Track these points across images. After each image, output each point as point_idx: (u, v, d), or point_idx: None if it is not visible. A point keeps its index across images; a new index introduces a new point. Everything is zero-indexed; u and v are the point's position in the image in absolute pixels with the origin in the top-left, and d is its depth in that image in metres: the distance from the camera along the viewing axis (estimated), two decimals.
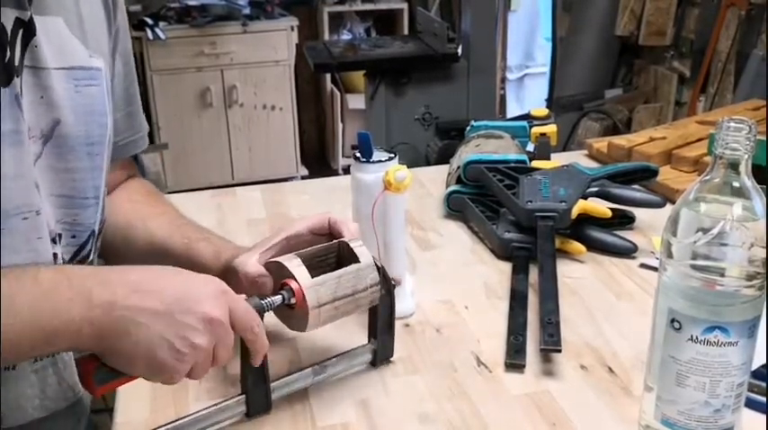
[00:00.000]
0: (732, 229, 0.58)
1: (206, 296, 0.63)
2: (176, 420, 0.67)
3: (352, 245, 0.75)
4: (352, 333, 0.82)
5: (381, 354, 0.80)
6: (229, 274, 0.78)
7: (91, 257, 0.80)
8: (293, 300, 0.70)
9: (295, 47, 3.73)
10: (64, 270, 0.63)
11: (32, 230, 0.69)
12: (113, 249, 0.88)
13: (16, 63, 0.67)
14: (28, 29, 0.68)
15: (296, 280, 0.70)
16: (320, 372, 0.76)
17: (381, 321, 0.78)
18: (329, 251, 0.76)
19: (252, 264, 0.75)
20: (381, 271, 0.75)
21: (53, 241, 0.72)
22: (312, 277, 0.71)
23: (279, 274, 0.73)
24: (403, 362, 0.81)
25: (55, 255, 0.73)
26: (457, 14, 3.63)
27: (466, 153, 1.18)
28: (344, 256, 0.75)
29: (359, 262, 0.74)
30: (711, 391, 0.62)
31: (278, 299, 0.70)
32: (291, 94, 3.81)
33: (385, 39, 3.25)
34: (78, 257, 0.77)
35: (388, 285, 0.76)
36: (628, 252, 1.03)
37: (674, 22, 2.79)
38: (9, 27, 0.66)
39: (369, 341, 0.80)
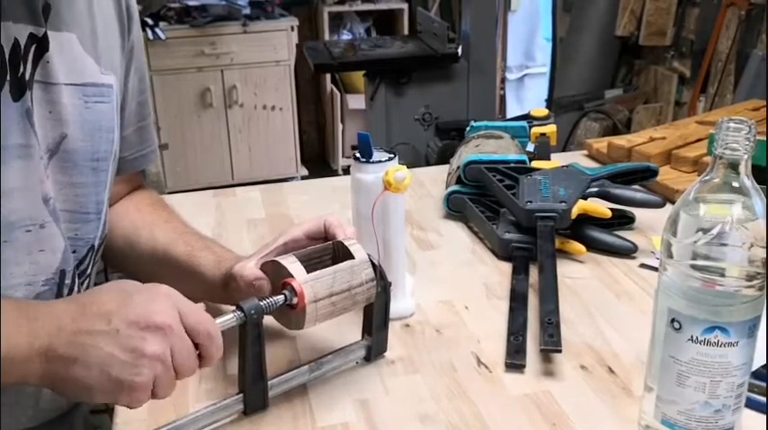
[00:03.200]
0: (732, 229, 0.58)
1: (150, 304, 0.61)
2: (175, 420, 0.67)
3: (346, 244, 0.75)
4: (350, 332, 0.82)
5: (376, 350, 0.80)
6: (230, 282, 0.78)
7: (89, 271, 0.80)
8: (295, 300, 0.70)
9: (295, 47, 3.73)
10: (12, 300, 0.61)
11: (35, 243, 0.70)
12: (120, 255, 0.89)
13: (27, 78, 0.67)
14: (41, 44, 0.68)
15: (292, 276, 0.70)
16: (316, 369, 0.76)
17: (377, 318, 0.78)
18: (325, 251, 0.76)
19: (249, 268, 0.75)
20: (378, 268, 0.75)
21: None
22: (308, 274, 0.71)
23: (276, 275, 0.73)
24: (403, 362, 0.81)
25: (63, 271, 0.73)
26: (457, 15, 3.63)
27: (466, 153, 1.18)
28: (340, 256, 0.76)
29: (354, 259, 0.74)
30: (711, 392, 0.62)
31: (280, 299, 0.70)
32: (291, 94, 3.81)
33: (385, 39, 3.25)
34: (77, 271, 0.77)
35: (384, 282, 0.76)
36: (628, 252, 1.03)
37: (675, 22, 2.79)
38: (23, 42, 0.66)
39: (363, 337, 0.80)
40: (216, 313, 0.67)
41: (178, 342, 0.61)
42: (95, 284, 0.86)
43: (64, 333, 0.59)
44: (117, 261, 0.90)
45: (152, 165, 2.80)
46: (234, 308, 0.67)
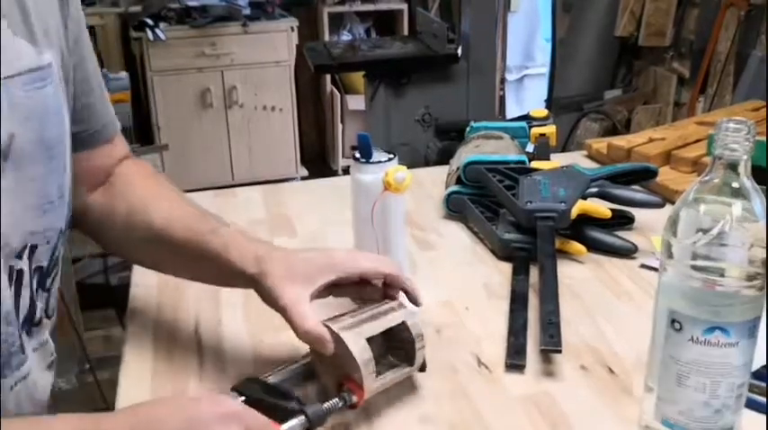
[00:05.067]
0: (732, 230, 0.58)
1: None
2: None
3: (417, 346, 0.73)
4: None
5: None
6: (267, 295, 0.74)
7: (57, 254, 0.76)
8: (354, 399, 0.68)
9: (295, 47, 3.73)
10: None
11: None
12: (116, 239, 0.86)
13: None
14: None
15: (361, 385, 0.68)
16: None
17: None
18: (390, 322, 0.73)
19: (311, 322, 0.70)
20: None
21: (18, 256, 0.69)
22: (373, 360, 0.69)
23: (336, 344, 0.70)
24: None
25: (20, 271, 0.70)
26: (457, 15, 3.63)
27: (465, 154, 1.18)
28: (403, 336, 0.73)
29: (414, 347, 0.72)
30: (712, 392, 0.62)
31: (339, 403, 0.68)
32: (291, 94, 3.81)
33: (385, 39, 3.25)
34: (53, 259, 0.75)
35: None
36: (628, 252, 1.03)
37: (674, 22, 2.79)
38: None
39: None
40: None
41: None
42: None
43: None
44: (114, 245, 0.88)
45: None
46: (298, 410, 0.65)
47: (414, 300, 0.78)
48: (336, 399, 0.68)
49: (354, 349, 0.68)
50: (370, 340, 0.69)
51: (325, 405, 0.67)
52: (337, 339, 0.68)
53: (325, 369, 0.73)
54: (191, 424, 0.58)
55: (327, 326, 0.69)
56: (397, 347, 0.74)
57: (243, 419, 0.60)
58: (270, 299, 0.73)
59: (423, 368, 0.75)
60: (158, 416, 0.59)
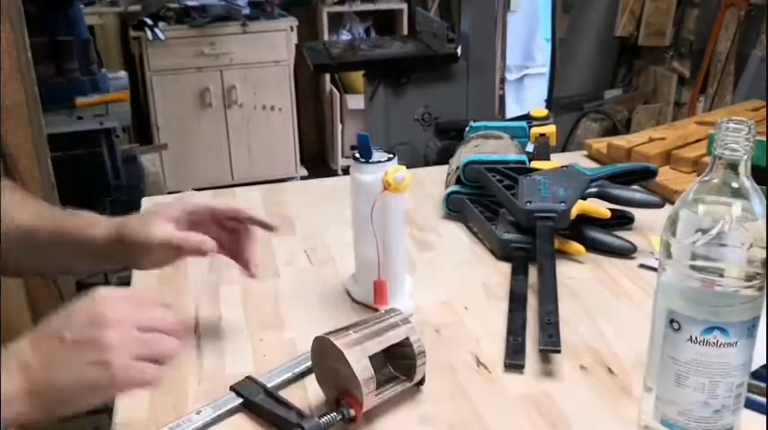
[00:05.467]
0: (731, 230, 0.58)
1: (90, 302, 0.63)
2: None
3: (414, 347, 0.73)
4: None
5: None
6: (123, 246, 0.78)
7: None
8: (352, 413, 0.69)
9: (294, 47, 3.73)
10: None
11: None
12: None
13: None
14: None
15: (360, 402, 0.68)
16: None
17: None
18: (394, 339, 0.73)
19: (169, 231, 0.77)
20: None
21: None
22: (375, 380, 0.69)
23: (333, 358, 0.69)
24: None
25: None
26: (456, 15, 3.62)
27: (465, 153, 1.18)
28: (404, 351, 0.73)
29: (415, 364, 0.72)
30: (711, 392, 0.62)
31: (338, 417, 0.68)
32: (291, 94, 3.81)
33: (384, 39, 3.25)
34: None
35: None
36: (627, 252, 1.03)
37: (674, 22, 2.79)
38: None
39: None
40: None
41: (139, 320, 0.63)
42: None
43: (32, 370, 0.60)
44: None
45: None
46: (296, 424, 0.67)
47: (266, 227, 0.84)
48: (335, 413, 0.68)
49: (356, 368, 0.68)
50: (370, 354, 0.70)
51: (323, 419, 0.67)
52: (339, 355, 0.68)
53: (325, 378, 0.73)
54: (94, 301, 0.63)
55: (331, 342, 0.69)
56: (396, 357, 0.74)
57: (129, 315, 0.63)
58: (141, 248, 0.78)
59: (421, 381, 0.75)
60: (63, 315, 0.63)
